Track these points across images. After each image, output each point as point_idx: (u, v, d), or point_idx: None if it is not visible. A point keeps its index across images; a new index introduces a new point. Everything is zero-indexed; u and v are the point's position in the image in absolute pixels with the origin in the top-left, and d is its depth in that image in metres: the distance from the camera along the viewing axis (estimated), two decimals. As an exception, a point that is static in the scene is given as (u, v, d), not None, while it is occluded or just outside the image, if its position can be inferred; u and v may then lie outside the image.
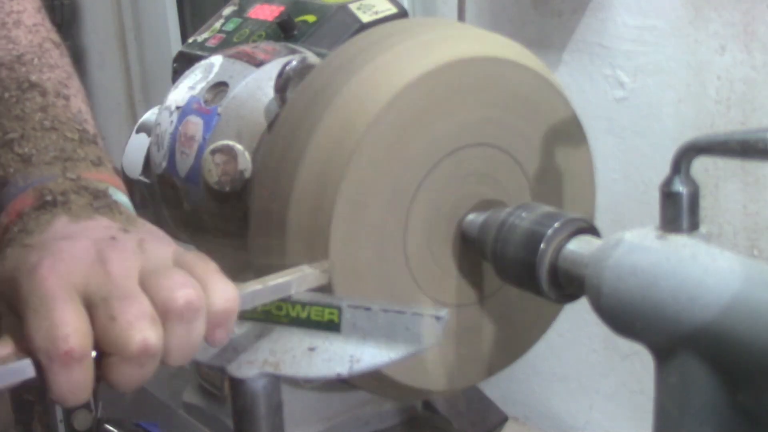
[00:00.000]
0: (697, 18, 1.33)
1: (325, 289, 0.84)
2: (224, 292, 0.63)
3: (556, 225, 0.85)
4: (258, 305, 0.74)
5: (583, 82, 1.49)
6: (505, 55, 0.93)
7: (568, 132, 0.98)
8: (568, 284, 0.84)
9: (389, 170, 0.87)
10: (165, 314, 0.59)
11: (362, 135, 0.85)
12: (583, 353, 1.64)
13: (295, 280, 0.77)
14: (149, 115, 1.18)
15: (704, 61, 1.34)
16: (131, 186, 1.15)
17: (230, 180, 0.96)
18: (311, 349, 0.75)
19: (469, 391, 1.58)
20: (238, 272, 0.77)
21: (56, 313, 0.57)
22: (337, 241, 0.85)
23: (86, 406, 1.40)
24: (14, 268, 0.61)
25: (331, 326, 0.75)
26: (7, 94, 0.75)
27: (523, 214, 0.88)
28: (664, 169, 0.74)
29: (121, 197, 0.71)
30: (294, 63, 0.95)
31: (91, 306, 0.59)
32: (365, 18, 1.19)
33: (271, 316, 0.77)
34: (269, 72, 1.00)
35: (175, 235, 1.09)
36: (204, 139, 1.00)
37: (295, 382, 1.18)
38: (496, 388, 1.68)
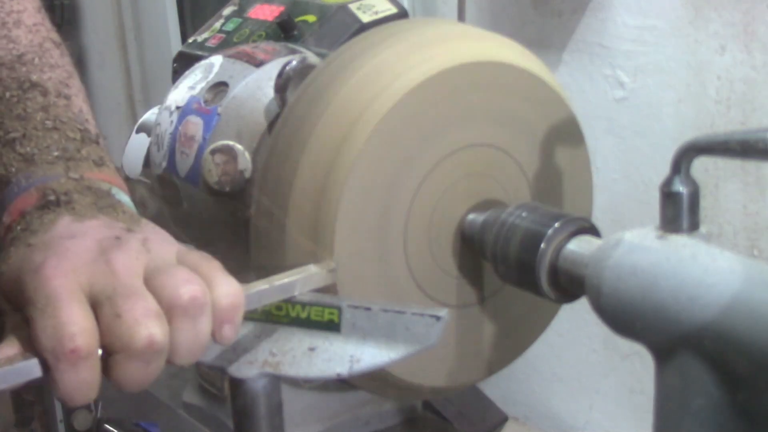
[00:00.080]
0: (697, 18, 1.33)
1: (328, 289, 0.84)
2: (228, 288, 0.63)
3: (556, 225, 0.85)
4: (264, 305, 0.74)
5: (583, 82, 1.49)
6: (505, 57, 0.93)
7: (567, 132, 0.98)
8: (568, 284, 0.84)
9: (390, 171, 0.87)
10: (170, 311, 0.59)
11: (363, 136, 0.85)
12: (583, 353, 1.64)
13: (301, 280, 0.77)
14: (149, 115, 1.18)
15: (704, 61, 1.34)
16: (131, 186, 1.15)
17: (230, 180, 0.96)
18: (311, 349, 0.75)
19: (469, 391, 1.58)
20: (238, 272, 0.77)
21: (62, 312, 0.57)
22: (339, 241, 0.85)
23: (86, 406, 1.40)
24: (19, 268, 0.61)
25: (331, 326, 0.75)
26: (8, 94, 0.75)
27: (523, 214, 0.88)
28: (664, 169, 0.74)
29: (124, 197, 0.71)
30: (294, 63, 0.95)
31: (96, 304, 0.59)
32: (365, 18, 1.19)
33: (272, 316, 0.77)
34: (269, 72, 1.00)
35: (175, 235, 1.09)
36: (204, 139, 1.00)
37: (295, 382, 1.19)
38: (496, 388, 1.69)
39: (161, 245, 0.64)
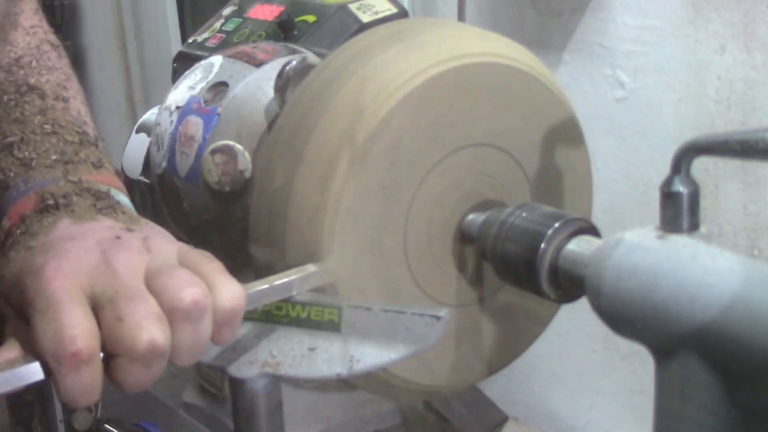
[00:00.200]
0: (697, 18, 1.33)
1: (328, 288, 0.84)
2: (230, 291, 0.63)
3: (557, 225, 0.85)
4: (264, 304, 0.74)
5: (583, 82, 1.49)
6: (505, 57, 0.93)
7: (567, 133, 0.98)
8: (568, 284, 0.84)
9: (390, 170, 0.87)
10: (172, 314, 0.59)
11: (363, 136, 0.85)
12: (583, 353, 1.64)
13: (299, 280, 0.77)
14: (149, 115, 1.18)
15: (704, 61, 1.34)
16: (131, 186, 1.15)
17: (230, 180, 0.96)
18: (311, 349, 0.75)
19: (469, 391, 1.58)
20: (238, 272, 0.77)
21: (63, 314, 0.57)
22: (338, 241, 0.85)
23: (93, 404, 1.40)
24: (19, 271, 0.61)
25: (331, 326, 0.75)
26: (5, 98, 0.75)
27: (524, 214, 0.88)
28: (664, 169, 0.74)
29: (123, 198, 0.71)
30: (294, 63, 0.95)
31: (97, 307, 0.59)
32: (365, 18, 1.19)
33: (272, 316, 0.77)
34: (269, 72, 1.00)
35: (175, 235, 1.09)
36: (204, 139, 1.00)
37: (295, 382, 1.18)
38: (496, 388, 1.69)
39: (162, 244, 0.64)
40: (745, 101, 1.31)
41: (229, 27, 1.29)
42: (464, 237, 0.92)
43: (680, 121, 1.39)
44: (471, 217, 0.92)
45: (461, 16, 1.55)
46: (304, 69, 0.95)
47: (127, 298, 0.58)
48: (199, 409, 1.48)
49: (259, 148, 0.97)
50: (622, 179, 1.49)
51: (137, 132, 1.18)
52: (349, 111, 0.86)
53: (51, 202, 0.66)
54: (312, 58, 1.00)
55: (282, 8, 1.25)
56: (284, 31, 1.20)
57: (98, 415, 1.43)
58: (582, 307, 0.82)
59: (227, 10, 1.34)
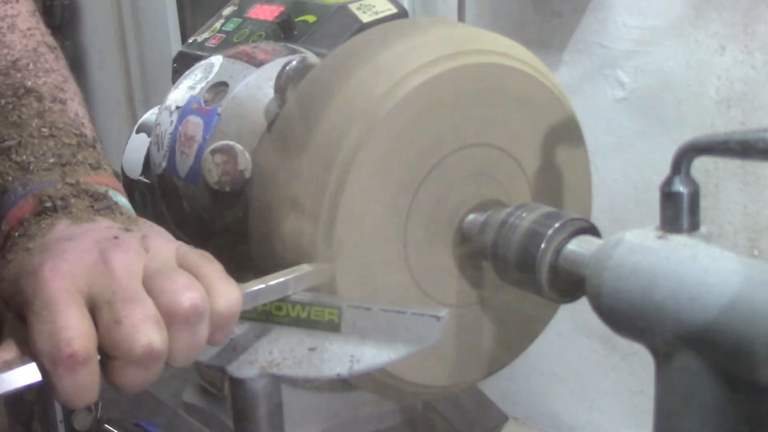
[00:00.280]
0: (697, 18, 1.33)
1: (326, 288, 0.84)
2: (228, 295, 0.63)
3: (557, 225, 0.85)
4: (260, 304, 0.74)
5: (583, 82, 1.49)
6: (505, 57, 0.93)
7: (567, 133, 0.98)
8: (568, 284, 0.84)
9: (390, 171, 0.87)
10: (170, 317, 0.59)
11: (363, 136, 0.85)
12: (583, 353, 1.64)
13: (295, 279, 0.77)
14: (149, 115, 1.18)
15: (704, 61, 1.34)
16: (131, 186, 1.15)
17: (230, 180, 0.96)
18: (311, 349, 0.75)
19: (469, 391, 1.58)
20: (238, 272, 0.77)
21: (59, 316, 0.57)
22: (339, 241, 0.85)
23: (91, 404, 1.40)
24: (17, 272, 0.61)
25: (331, 326, 0.75)
26: (3, 101, 0.75)
27: (524, 214, 0.88)
28: (664, 169, 0.74)
29: (121, 199, 0.71)
30: (294, 63, 0.95)
31: (95, 308, 0.58)
32: (365, 18, 1.19)
33: (272, 316, 0.77)
34: (269, 72, 1.00)
35: (175, 235, 1.09)
36: (204, 139, 1.00)
37: (295, 382, 1.18)
38: (496, 388, 1.68)
39: (160, 243, 0.64)
40: (745, 101, 1.31)
41: (229, 27, 1.29)
42: (464, 237, 0.92)
43: (680, 121, 1.39)
44: (471, 217, 0.92)
45: (461, 16, 1.55)
46: (304, 69, 0.94)
47: (124, 301, 0.58)
48: (199, 409, 1.48)
49: (259, 148, 0.97)
50: (622, 179, 1.49)
51: (137, 132, 1.18)
52: (349, 111, 0.86)
53: (49, 204, 0.66)
54: (312, 58, 1.00)
55: (282, 8, 1.25)
56: (284, 31, 1.20)
57: (98, 415, 1.43)
58: (582, 307, 0.82)
59: (227, 10, 1.34)
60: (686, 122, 1.38)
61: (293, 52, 1.07)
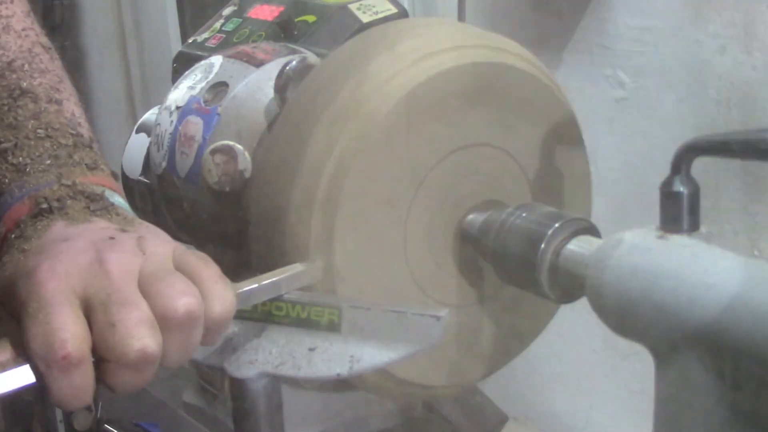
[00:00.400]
0: (697, 18, 1.33)
1: (326, 288, 0.84)
2: (223, 299, 0.63)
3: (557, 225, 0.85)
4: (253, 304, 0.74)
5: (583, 82, 1.49)
6: (504, 57, 0.93)
7: (567, 133, 0.98)
8: (568, 284, 0.84)
9: (390, 171, 0.87)
10: (164, 321, 0.59)
11: (363, 136, 0.85)
12: (583, 353, 1.64)
13: (288, 279, 0.77)
14: (149, 115, 1.18)
15: (704, 61, 1.34)
16: (131, 186, 1.15)
17: (230, 180, 0.96)
18: (311, 349, 0.75)
19: (469, 391, 1.58)
20: (238, 272, 0.77)
21: (53, 317, 0.57)
22: (339, 241, 0.85)
23: (86, 406, 1.40)
24: (13, 273, 0.61)
25: (331, 326, 0.75)
26: None
27: (524, 214, 0.88)
28: (664, 169, 0.74)
29: (119, 200, 0.70)
30: (294, 63, 0.95)
31: (90, 310, 0.58)
32: (365, 18, 1.19)
33: (272, 316, 0.77)
34: (269, 72, 1.00)
35: (175, 235, 1.09)
36: (204, 139, 1.00)
37: (295, 382, 1.18)
38: (496, 388, 1.68)
39: (157, 244, 0.64)
40: (746, 101, 1.31)
41: (229, 27, 1.29)
42: (464, 237, 0.92)
43: (680, 121, 1.39)
44: (471, 217, 0.92)
45: (461, 16, 1.55)
46: (304, 69, 0.94)
47: (119, 303, 0.58)
48: (199, 409, 1.48)
49: (259, 148, 0.97)
50: (622, 179, 1.49)
51: (137, 132, 1.18)
52: (349, 111, 0.86)
53: (45, 206, 0.66)
54: (312, 58, 1.00)
55: (282, 8, 1.25)
56: (284, 31, 1.20)
57: (98, 415, 1.43)
58: (582, 307, 0.82)
59: (227, 10, 1.34)
60: (686, 122, 1.38)
61: (293, 52, 1.06)
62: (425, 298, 0.91)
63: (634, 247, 0.74)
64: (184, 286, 0.60)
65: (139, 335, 0.58)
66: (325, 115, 0.87)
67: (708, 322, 0.68)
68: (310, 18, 1.21)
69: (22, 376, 0.58)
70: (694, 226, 0.74)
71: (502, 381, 1.69)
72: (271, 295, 0.75)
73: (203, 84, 1.04)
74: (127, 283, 0.59)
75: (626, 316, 0.74)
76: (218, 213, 1.01)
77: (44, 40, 0.83)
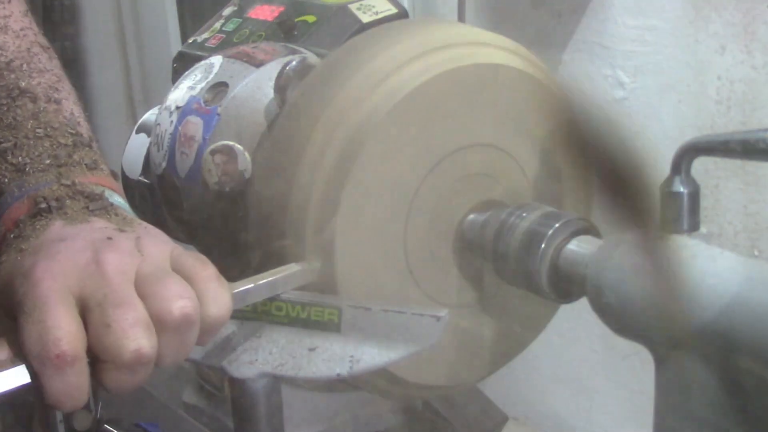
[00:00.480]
0: (697, 18, 1.33)
1: (327, 288, 0.84)
2: (219, 302, 0.63)
3: (557, 225, 0.85)
4: (249, 303, 0.74)
5: (583, 82, 1.49)
6: (505, 57, 0.93)
7: (567, 133, 0.98)
8: (569, 284, 0.84)
9: (390, 171, 0.87)
10: (160, 323, 0.59)
11: (364, 136, 0.85)
12: (583, 353, 1.64)
13: (284, 279, 0.77)
14: (149, 115, 1.18)
15: (704, 61, 1.34)
16: (131, 186, 1.15)
17: (230, 180, 0.96)
18: (311, 349, 0.75)
19: (469, 391, 1.58)
20: (238, 272, 0.77)
21: (49, 315, 0.57)
22: (339, 241, 0.85)
23: (86, 406, 1.40)
24: (10, 273, 0.61)
25: (331, 326, 0.75)
26: None
27: (524, 214, 0.88)
28: (664, 169, 0.74)
29: (118, 200, 0.70)
30: (294, 63, 0.95)
31: (86, 310, 0.58)
32: (365, 18, 1.19)
33: (272, 317, 0.77)
34: (269, 72, 1.00)
35: (175, 236, 1.09)
36: (204, 139, 1.00)
37: (295, 382, 1.19)
38: (496, 388, 1.68)
39: (154, 245, 0.64)
40: (746, 101, 1.31)
41: (229, 27, 1.29)
42: (464, 237, 0.92)
43: (680, 121, 1.39)
44: (471, 217, 0.92)
45: (461, 17, 1.55)
46: (304, 69, 0.94)
47: (115, 304, 0.58)
48: (199, 409, 1.48)
49: (259, 148, 0.97)
50: (622, 179, 1.49)
51: (137, 132, 1.18)
52: (349, 111, 0.86)
53: (43, 205, 0.66)
54: (312, 58, 1.00)
55: (282, 8, 1.25)
56: (284, 31, 1.20)
57: (98, 415, 1.43)
58: (582, 307, 0.82)
59: (227, 10, 1.34)
60: (686, 122, 1.38)
61: (293, 52, 1.06)
62: (425, 298, 0.91)
63: (634, 247, 0.74)
64: (180, 289, 0.60)
65: (135, 336, 0.58)
66: (324, 115, 0.87)
67: (708, 322, 0.68)
68: (310, 18, 1.21)
69: (17, 377, 0.58)
70: (694, 226, 0.74)
71: (502, 381, 1.69)
72: (267, 294, 0.75)
73: (203, 84, 1.04)
74: (123, 284, 0.59)
75: (626, 316, 0.74)
76: (218, 213, 1.01)
77: (42, 39, 0.82)
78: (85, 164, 0.71)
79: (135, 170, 1.15)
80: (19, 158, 0.70)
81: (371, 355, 0.74)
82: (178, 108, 1.04)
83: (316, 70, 0.93)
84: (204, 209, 1.02)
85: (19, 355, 0.58)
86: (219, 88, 1.03)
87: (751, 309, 0.66)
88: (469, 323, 0.94)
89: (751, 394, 0.68)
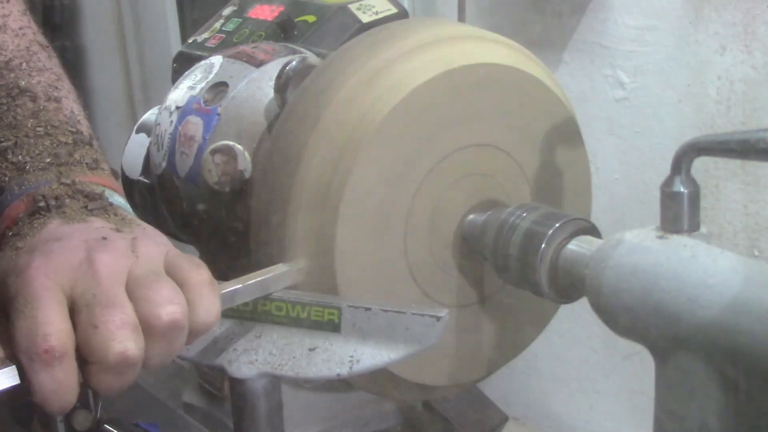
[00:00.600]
0: (697, 18, 1.33)
1: (323, 288, 0.84)
2: (208, 309, 0.62)
3: (557, 225, 0.85)
4: (237, 304, 0.73)
5: (583, 82, 1.49)
6: (505, 57, 0.93)
7: (567, 133, 0.98)
8: (569, 284, 0.84)
9: (390, 171, 0.87)
10: (148, 328, 0.59)
11: (364, 136, 0.85)
12: (583, 353, 1.64)
13: (272, 279, 0.77)
14: (149, 115, 1.18)
15: (704, 61, 1.34)
16: (131, 186, 1.15)
17: (230, 180, 0.96)
18: (311, 349, 0.75)
19: (469, 391, 1.58)
20: (237, 272, 0.77)
21: (39, 311, 0.57)
22: (340, 241, 0.85)
23: (86, 406, 1.40)
24: (4, 270, 0.61)
25: (331, 326, 0.75)
26: None
27: (524, 215, 0.88)
28: (665, 169, 0.74)
29: (119, 200, 0.70)
30: (294, 63, 0.95)
31: (75, 309, 0.58)
32: (365, 18, 1.19)
33: (272, 317, 0.77)
34: (269, 72, 1.00)
35: (175, 235, 1.09)
36: (204, 139, 1.00)
37: (295, 382, 1.18)
38: (496, 388, 1.68)
39: (149, 247, 0.63)
40: (746, 101, 1.31)
41: (229, 27, 1.29)
42: (464, 237, 0.92)
43: (680, 121, 1.39)
44: (471, 217, 0.92)
45: (461, 17, 1.55)
46: (304, 69, 0.94)
47: (103, 305, 0.58)
48: (199, 409, 1.48)
49: (259, 148, 0.97)
50: (622, 179, 1.49)
51: (137, 132, 1.18)
52: (350, 111, 0.86)
53: (42, 204, 0.66)
54: (312, 58, 1.00)
55: (282, 8, 1.25)
56: (284, 31, 1.20)
57: (98, 415, 1.43)
58: (582, 307, 0.82)
59: (227, 10, 1.34)
60: (686, 122, 1.38)
61: (293, 52, 1.06)
62: (425, 298, 0.91)
63: (634, 247, 0.74)
64: (170, 294, 0.60)
65: (121, 338, 0.58)
66: (324, 115, 0.87)
67: (708, 322, 0.68)
68: (310, 18, 1.21)
69: (8, 377, 0.58)
70: (694, 226, 0.74)
71: (502, 381, 1.69)
72: (256, 295, 0.75)
73: (203, 84, 1.04)
74: (113, 285, 0.59)
75: (626, 316, 0.74)
76: (218, 213, 1.01)
77: (41, 38, 0.82)
78: (86, 163, 0.71)
79: (135, 170, 1.15)
80: (20, 157, 0.71)
81: (371, 355, 0.74)
82: (178, 108, 1.04)
83: (316, 70, 0.93)
84: (204, 209, 1.02)
85: (12, 355, 0.58)
86: (219, 88, 1.03)
87: (751, 309, 0.66)
88: (469, 323, 0.94)
89: (751, 393, 0.68)
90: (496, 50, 0.94)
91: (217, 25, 1.31)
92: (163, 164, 1.05)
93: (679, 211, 0.74)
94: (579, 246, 0.83)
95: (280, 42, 1.16)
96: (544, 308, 0.99)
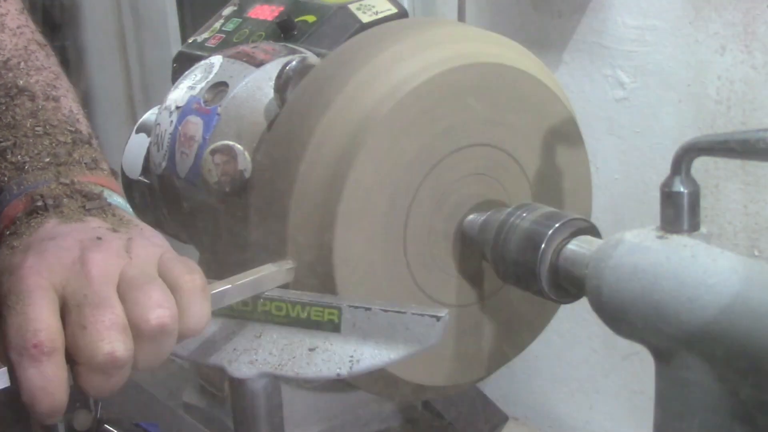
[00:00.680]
0: (697, 18, 1.33)
1: (323, 288, 0.84)
2: (198, 314, 0.62)
3: (557, 225, 0.85)
4: (227, 305, 0.73)
5: (583, 82, 1.49)
6: (505, 57, 0.93)
7: (567, 133, 0.98)
8: (569, 284, 0.84)
9: (390, 171, 0.87)
10: (136, 330, 0.59)
11: (363, 136, 0.85)
12: (583, 353, 1.64)
13: (261, 279, 0.77)
14: (149, 115, 1.18)
15: (704, 61, 1.34)
16: (131, 186, 1.15)
17: (230, 180, 0.96)
18: (311, 349, 0.75)
19: (469, 391, 1.58)
20: (237, 272, 0.77)
21: (30, 308, 0.57)
22: (339, 241, 0.85)
23: (86, 406, 1.40)
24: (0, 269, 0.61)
25: (331, 326, 0.75)
26: None
27: (524, 215, 0.88)
28: (665, 169, 0.74)
29: (118, 200, 0.70)
30: (294, 63, 0.95)
31: (66, 309, 0.58)
32: (365, 18, 1.19)
33: (272, 317, 0.77)
34: (269, 72, 1.00)
35: (175, 235, 1.09)
36: (204, 139, 1.00)
37: (295, 382, 1.18)
38: (496, 388, 1.68)
39: (144, 248, 0.63)
40: (746, 101, 1.31)
41: (229, 27, 1.29)
42: (464, 237, 0.92)
43: (680, 121, 1.39)
44: (471, 217, 0.92)
45: (461, 16, 1.55)
46: (304, 69, 0.94)
47: (93, 306, 0.58)
48: (199, 409, 1.48)
49: (259, 148, 0.97)
50: (622, 179, 1.49)
51: (137, 132, 1.18)
52: (350, 111, 0.86)
53: (40, 203, 0.66)
54: (312, 58, 1.00)
55: (282, 8, 1.25)
56: (284, 31, 1.20)
57: (98, 415, 1.43)
58: (582, 307, 0.82)
59: (227, 10, 1.34)
60: (686, 122, 1.38)
61: (293, 52, 1.06)
62: (425, 298, 0.91)
63: (634, 247, 0.74)
64: (160, 297, 0.60)
65: (109, 339, 0.57)
66: (324, 115, 0.87)
67: (708, 322, 0.68)
68: (310, 18, 1.21)
69: (2, 379, 0.58)
70: (694, 226, 0.74)
71: (502, 381, 1.69)
72: (247, 294, 0.75)
73: (203, 84, 1.04)
74: (104, 286, 0.59)
75: (626, 316, 0.74)
76: (218, 213, 1.01)
77: (39, 37, 0.82)
78: (85, 163, 0.71)
79: (135, 170, 1.15)
80: (19, 156, 0.71)
81: (371, 355, 0.74)
82: (178, 108, 1.04)
83: (316, 69, 0.93)
84: (204, 209, 1.02)
85: (2, 353, 0.58)
86: (219, 88, 1.03)
87: (751, 309, 0.66)
88: (469, 323, 0.94)
89: (751, 393, 0.68)
90: (496, 50, 0.94)
91: (217, 25, 1.31)
92: (163, 164, 1.05)
93: (679, 211, 0.73)
94: (579, 246, 0.83)
95: (280, 42, 1.16)
96: (544, 308, 0.99)
